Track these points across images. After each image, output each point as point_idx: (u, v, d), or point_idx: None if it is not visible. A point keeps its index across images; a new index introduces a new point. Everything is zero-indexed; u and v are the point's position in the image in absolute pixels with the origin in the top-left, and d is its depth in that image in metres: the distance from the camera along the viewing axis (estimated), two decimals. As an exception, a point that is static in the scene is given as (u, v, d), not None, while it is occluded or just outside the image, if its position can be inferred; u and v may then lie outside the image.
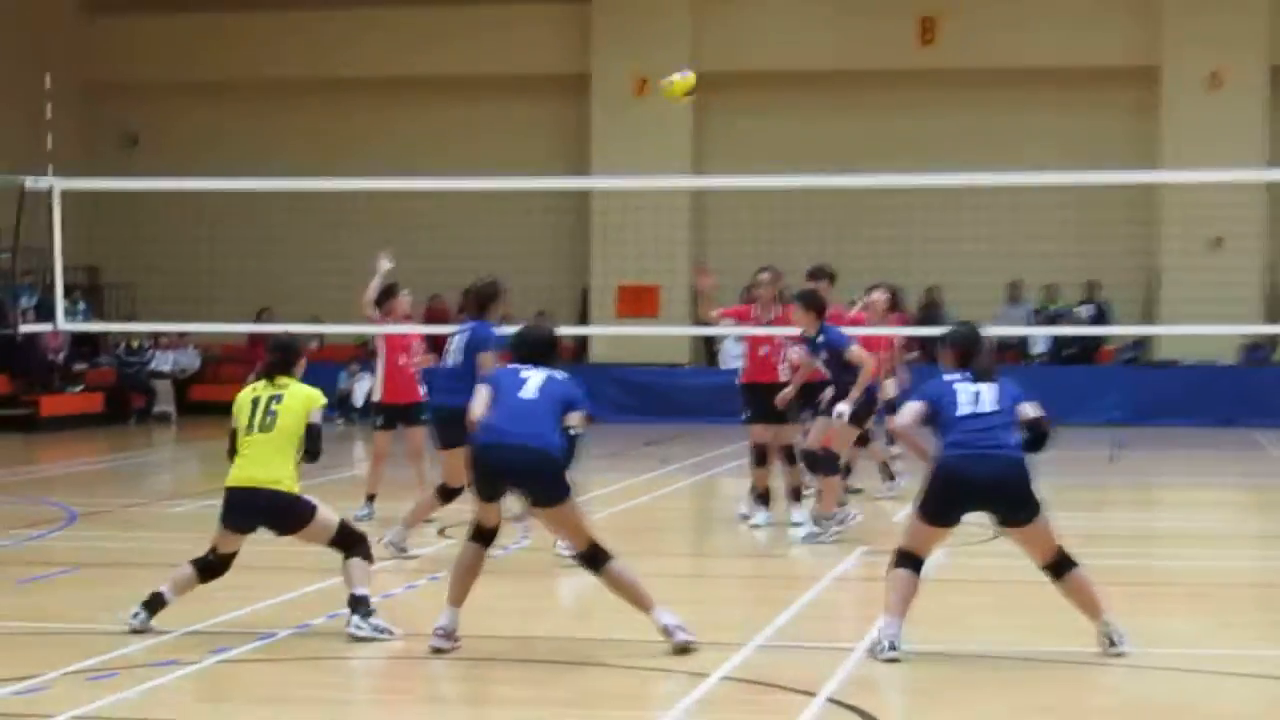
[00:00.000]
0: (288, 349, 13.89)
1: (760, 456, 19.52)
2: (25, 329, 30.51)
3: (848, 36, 39.65)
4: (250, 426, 13.34)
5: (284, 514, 13.36)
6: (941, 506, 12.89)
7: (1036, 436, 13.06)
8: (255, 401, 13.41)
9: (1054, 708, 11.51)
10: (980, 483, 12.71)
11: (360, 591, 13.19)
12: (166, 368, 39.45)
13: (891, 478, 22.69)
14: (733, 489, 25.17)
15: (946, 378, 13.27)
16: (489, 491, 12.93)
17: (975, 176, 29.06)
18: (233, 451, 13.44)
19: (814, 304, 18.16)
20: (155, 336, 39.00)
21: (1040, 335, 34.81)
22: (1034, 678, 12.55)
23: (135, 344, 39.97)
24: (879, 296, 22.32)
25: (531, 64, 41.00)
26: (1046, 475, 21.77)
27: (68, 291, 25.27)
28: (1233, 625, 14.96)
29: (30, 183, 23.81)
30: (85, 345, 38.44)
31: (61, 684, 11.58)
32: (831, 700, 11.22)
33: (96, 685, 11.59)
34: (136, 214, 35.82)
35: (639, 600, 12.98)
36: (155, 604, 13.23)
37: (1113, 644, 13.08)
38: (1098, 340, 36.48)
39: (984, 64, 39.15)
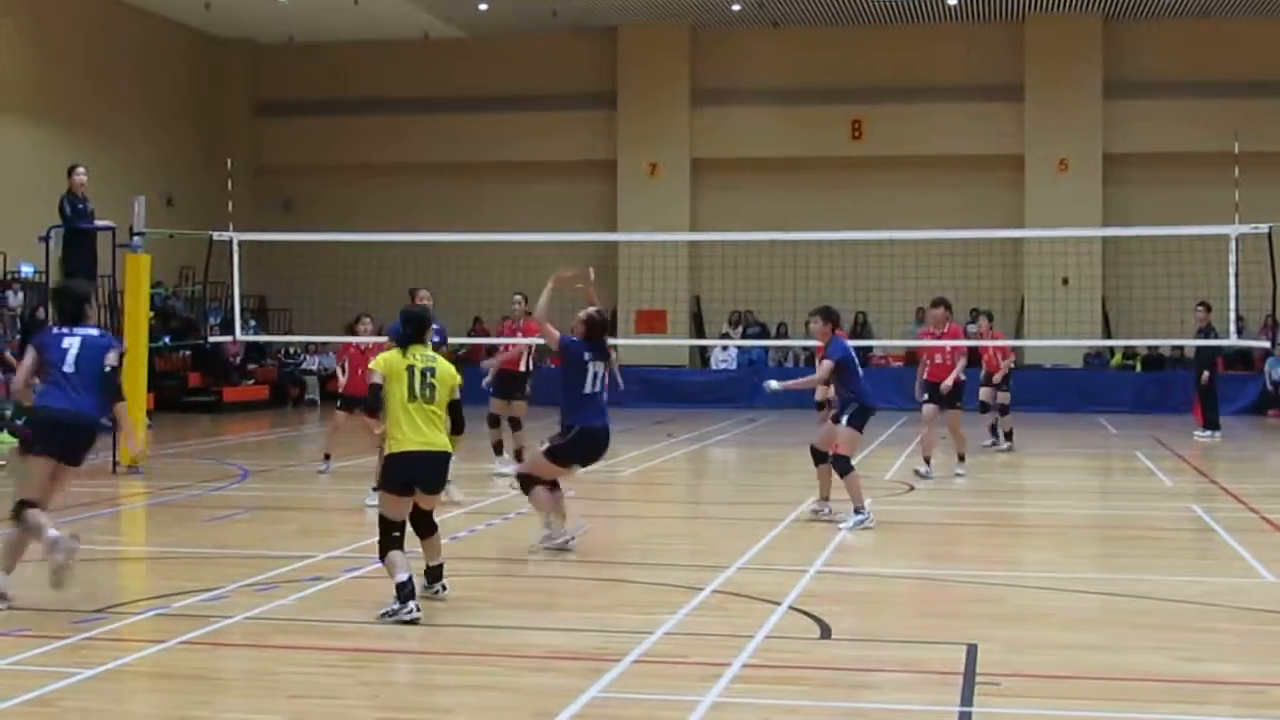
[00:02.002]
0: (421, 320, 11.47)
1: None
2: (213, 339, 30.43)
3: (800, 134, 39.75)
4: (414, 396, 11.03)
5: (442, 475, 11.34)
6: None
7: None
8: (412, 370, 11.11)
9: (954, 613, 11.40)
10: None
11: (404, 578, 10.74)
12: (314, 367, 39.46)
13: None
14: (719, 456, 25.09)
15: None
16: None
17: (892, 233, 29.11)
18: (375, 406, 11.29)
19: (829, 318, 16.53)
20: (305, 345, 39.02)
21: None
22: (941, 593, 12.45)
23: (291, 350, 39.96)
24: (984, 323, 22.49)
25: (575, 153, 41.11)
26: (946, 447, 21.88)
27: (243, 313, 25.19)
28: (1077, 556, 14.89)
29: (216, 235, 23.75)
30: (255, 351, 38.43)
31: (237, 594, 11.50)
32: (792, 608, 11.12)
33: (262, 595, 11.51)
34: (291, 259, 35.71)
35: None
36: (411, 591, 10.74)
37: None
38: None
39: (897, 153, 39.32)
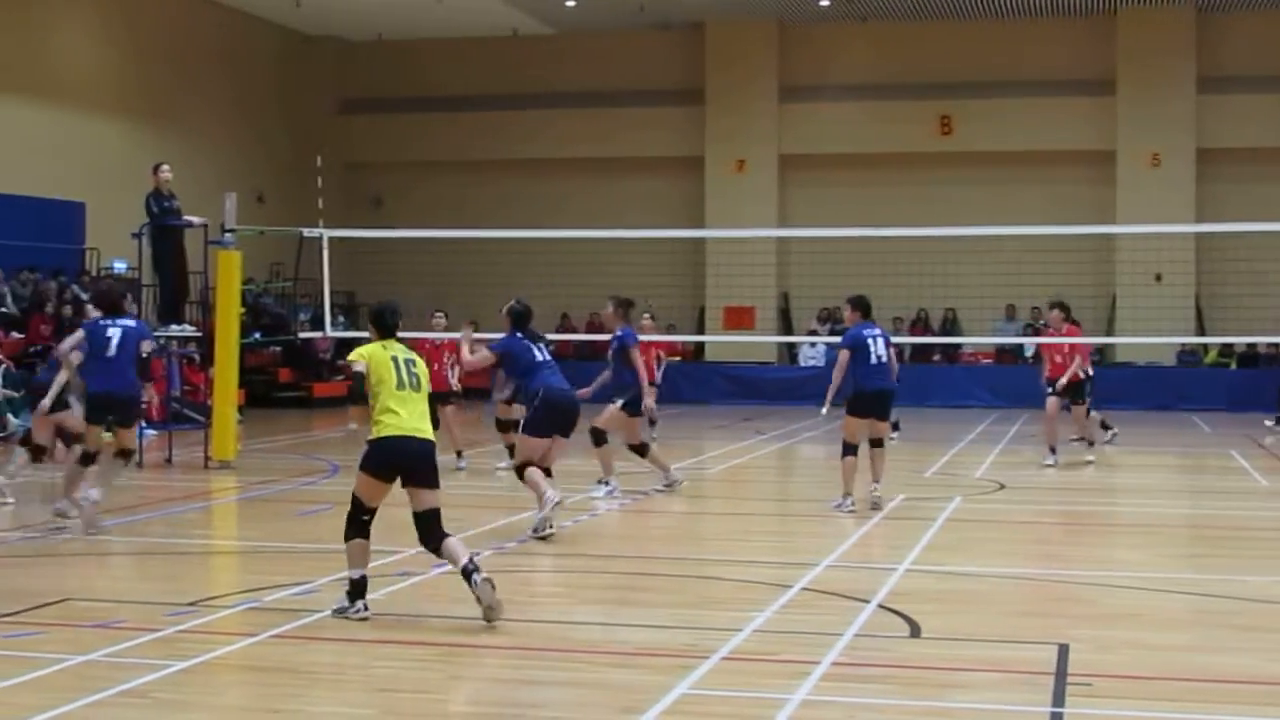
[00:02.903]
0: (395, 313, 11.28)
1: None
2: (303, 335, 30.66)
3: (888, 129, 39.56)
4: (402, 384, 10.76)
5: (433, 466, 10.91)
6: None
7: None
8: (395, 360, 10.87)
9: (1045, 613, 11.34)
10: None
11: (358, 575, 10.66)
12: (403, 363, 39.56)
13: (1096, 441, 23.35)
14: (807, 453, 25.05)
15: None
16: None
17: (980, 229, 28.95)
18: (358, 398, 11.65)
19: (855, 306, 17.15)
20: (409, 341, 39.14)
21: (1029, 343, 34.47)
22: (1031, 592, 12.38)
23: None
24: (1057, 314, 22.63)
25: (662, 149, 41.11)
26: (1038, 445, 21.73)
27: (332, 309, 25.36)
28: (1170, 555, 14.78)
29: (306, 232, 23.94)
30: (345, 347, 38.54)
31: (327, 587, 11.58)
32: (881, 606, 11.10)
33: (353, 589, 11.58)
34: (380, 254, 35.96)
35: None
36: (362, 588, 10.63)
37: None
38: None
39: (987, 148, 39.07)
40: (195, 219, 21.62)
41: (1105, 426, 24.83)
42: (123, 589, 12.21)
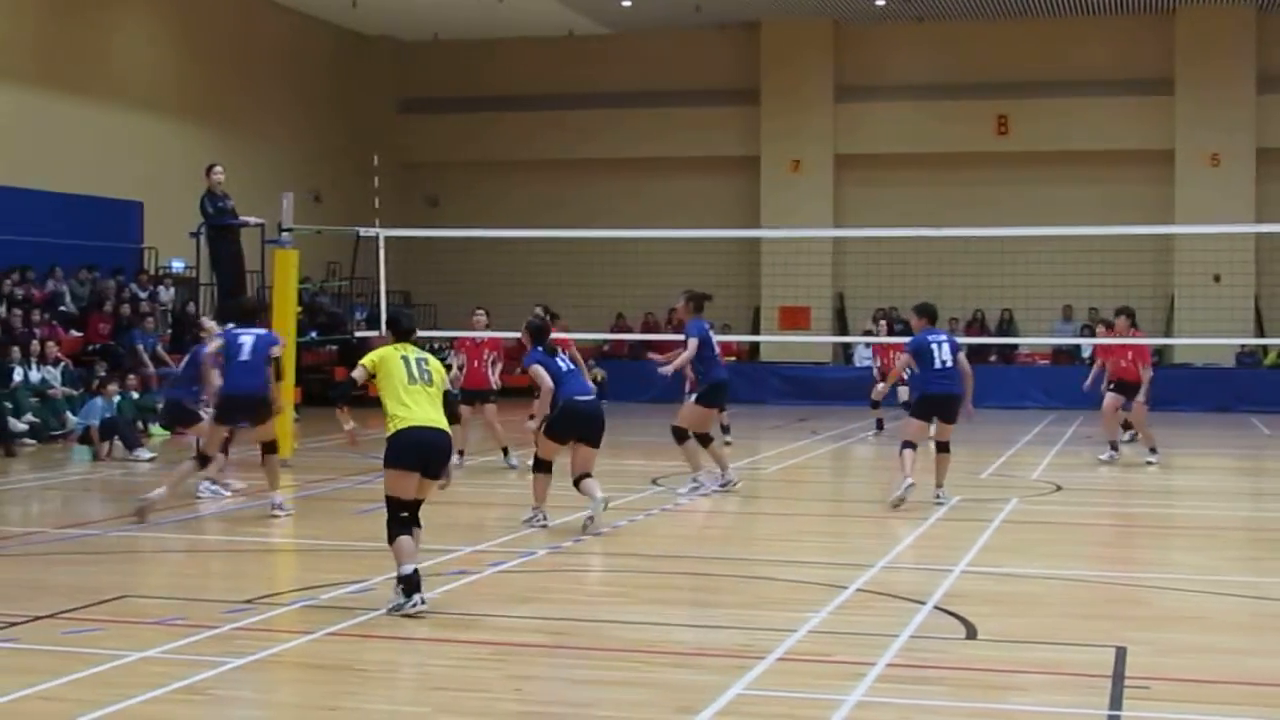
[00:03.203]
0: (409, 317, 12.07)
1: None
2: (359, 334, 30.78)
3: (944, 129, 39.44)
4: (412, 379, 11.13)
5: (447, 454, 11.24)
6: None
7: None
8: (406, 359, 11.28)
9: (1102, 615, 11.28)
10: None
11: (409, 570, 10.79)
12: (460, 363, 39.63)
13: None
14: (862, 453, 24.99)
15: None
16: None
17: (1037, 230, 28.84)
18: (344, 396, 11.89)
19: (921, 313, 18.05)
20: (449, 340, 39.18)
21: (1085, 344, 34.30)
22: (1088, 594, 12.31)
23: (436, 345, 40.20)
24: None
25: (717, 149, 41.10)
26: (1095, 446, 21.63)
27: (388, 308, 25.40)
28: (1228, 559, 14.68)
29: (363, 232, 24.04)
30: (400, 346, 38.70)
31: (383, 586, 11.60)
32: (937, 608, 11.06)
33: (409, 587, 11.62)
34: (437, 254, 36.08)
35: None
36: (417, 583, 10.72)
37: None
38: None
39: (1043, 148, 38.89)
40: (252, 219, 21.73)
41: (1125, 426, 24.41)
42: (180, 586, 12.28)
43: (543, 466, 15.29)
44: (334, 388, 12.39)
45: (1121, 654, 9.54)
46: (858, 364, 38.19)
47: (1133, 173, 38.64)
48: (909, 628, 10.33)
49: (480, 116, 42.28)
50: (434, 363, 11.41)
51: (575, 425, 15.25)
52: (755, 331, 38.57)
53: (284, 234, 21.92)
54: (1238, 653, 9.92)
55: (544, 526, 14.97)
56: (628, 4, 38.50)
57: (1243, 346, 36.93)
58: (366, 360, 11.52)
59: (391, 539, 10.86)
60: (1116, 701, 8.46)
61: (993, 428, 27.10)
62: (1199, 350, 36.30)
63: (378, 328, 25.91)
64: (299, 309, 23.68)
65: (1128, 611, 11.39)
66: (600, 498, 14.94)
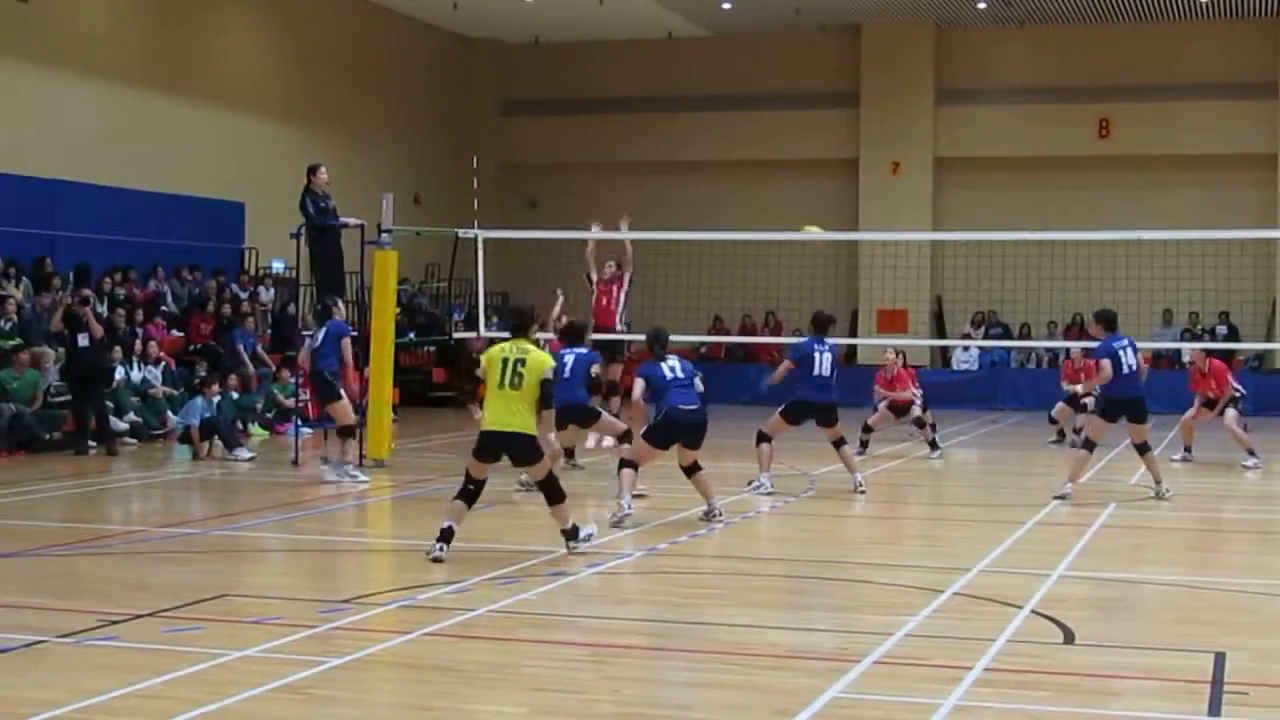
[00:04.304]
0: (523, 314, 13.91)
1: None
2: (457, 335, 30.90)
3: (1046, 132, 39.19)
4: (502, 384, 13.06)
5: (524, 451, 13.20)
6: None
7: None
8: (505, 362, 13.11)
9: (1202, 620, 11.16)
10: None
11: (569, 526, 13.46)
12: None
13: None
14: (961, 457, 24.82)
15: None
16: None
17: (1138, 233, 28.51)
18: (470, 396, 14.15)
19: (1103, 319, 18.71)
20: (547, 341, 39.24)
21: (1186, 348, 34.00)
22: (1187, 600, 12.17)
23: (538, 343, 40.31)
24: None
25: (817, 151, 41.02)
26: (1197, 448, 21.40)
27: (486, 309, 25.50)
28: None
29: (462, 233, 24.14)
30: (498, 347, 38.81)
31: (480, 587, 11.67)
32: (1034, 612, 10.98)
33: (505, 588, 11.66)
34: (534, 256, 36.13)
35: None
36: (447, 536, 12.92)
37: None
38: (1230, 352, 35.68)
39: (1147, 151, 38.59)
40: (352, 220, 21.82)
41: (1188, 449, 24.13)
42: (279, 585, 12.37)
43: (631, 465, 15.64)
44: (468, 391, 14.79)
45: (1220, 659, 9.44)
46: (955, 367, 38.05)
47: (1235, 176, 38.26)
48: (1006, 632, 10.27)
49: (580, 119, 42.41)
50: (531, 364, 13.09)
51: (676, 433, 15.60)
52: (853, 334, 38.43)
53: (384, 235, 22.04)
54: (1340, 661, 9.79)
55: (627, 518, 15.21)
56: (727, 6, 38.48)
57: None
58: (483, 358, 13.46)
59: (453, 499, 13.21)
60: (1215, 707, 8.36)
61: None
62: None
63: (475, 328, 26.06)
64: (398, 310, 23.79)
65: (1226, 617, 11.26)
66: (713, 507, 15.68)
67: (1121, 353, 18.05)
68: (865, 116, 40.62)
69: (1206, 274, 32.72)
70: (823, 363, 18.46)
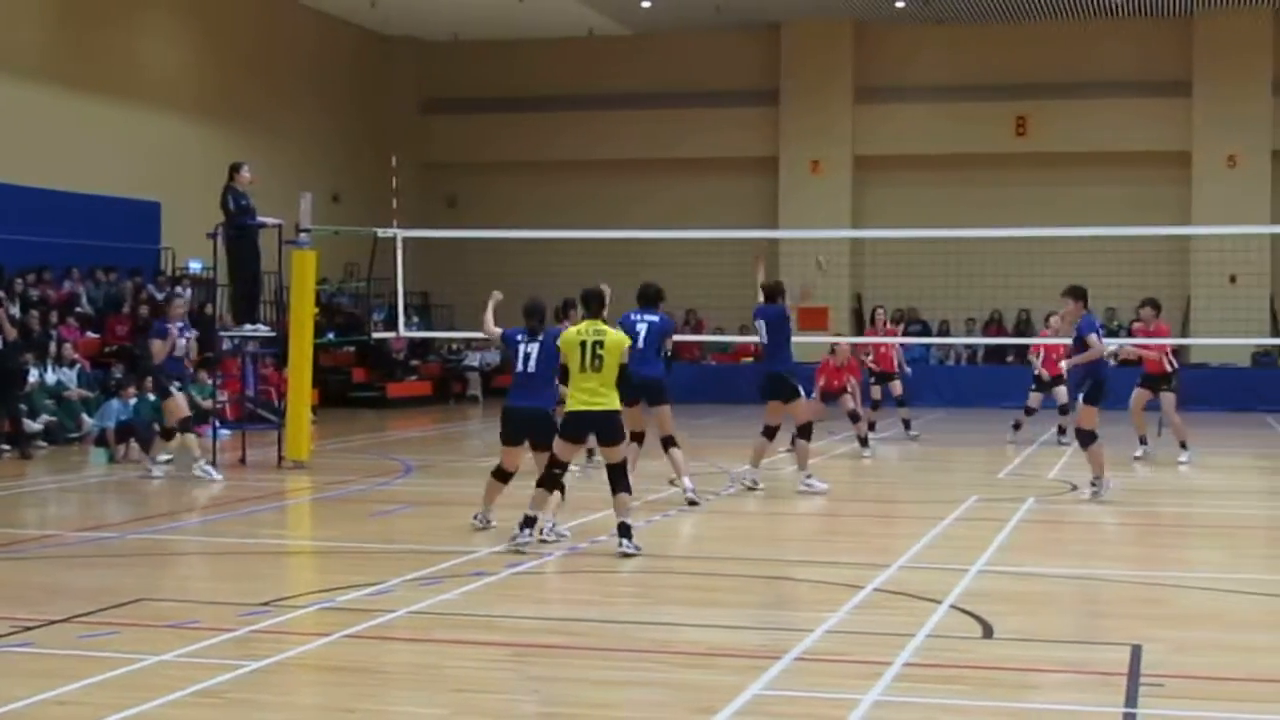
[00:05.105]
0: (599, 297, 13.94)
1: None
2: (377, 335, 30.77)
3: (963, 130, 39.45)
4: (584, 367, 13.39)
5: (611, 429, 13.49)
6: None
7: None
8: (584, 345, 13.42)
9: (1119, 614, 11.26)
10: None
11: (627, 520, 13.44)
12: (476, 363, 39.77)
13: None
14: (881, 453, 24.90)
15: None
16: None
17: (1054, 230, 28.85)
18: (564, 379, 14.01)
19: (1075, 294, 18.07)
20: (468, 341, 39.21)
21: (1115, 344, 34.33)
22: (1105, 593, 12.29)
23: (454, 346, 40.29)
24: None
25: (737, 150, 41.13)
26: (1112, 444, 21.57)
27: (407, 309, 25.44)
28: (1246, 557, 14.67)
29: (381, 232, 24.03)
30: (419, 347, 38.78)
31: (401, 588, 11.63)
32: (954, 607, 11.05)
33: (426, 589, 11.63)
34: (456, 254, 36.09)
35: None
36: (530, 523, 13.57)
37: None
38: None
39: (1062, 149, 38.89)
40: (270, 219, 21.69)
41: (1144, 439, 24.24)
42: (197, 589, 12.29)
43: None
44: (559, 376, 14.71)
45: (1137, 652, 9.52)
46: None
47: (1150, 174, 38.64)
48: (926, 627, 10.32)
49: (501, 117, 42.31)
50: (609, 344, 13.50)
51: (506, 429, 14.48)
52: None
53: (302, 234, 21.91)
54: (1254, 650, 9.89)
55: (488, 525, 14.73)
56: (647, 4, 38.50)
57: (1258, 347, 36.87)
58: (560, 343, 13.73)
59: (541, 484, 13.65)
60: (1132, 699, 8.44)
61: (1009, 428, 26.98)
62: (1215, 351, 36.24)
63: (395, 328, 25.97)
64: (317, 310, 23.66)
65: (1144, 610, 11.36)
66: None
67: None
68: (785, 115, 40.75)
69: (1122, 270, 32.98)
70: (637, 334, 16.88)
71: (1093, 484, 17.61)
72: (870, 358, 26.13)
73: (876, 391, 26.33)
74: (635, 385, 16.07)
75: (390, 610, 10.76)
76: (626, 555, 13.17)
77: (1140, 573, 13.11)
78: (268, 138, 36.11)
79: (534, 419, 14.11)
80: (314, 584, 12.31)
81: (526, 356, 14.15)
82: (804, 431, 18.61)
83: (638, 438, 17.43)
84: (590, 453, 20.39)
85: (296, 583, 12.74)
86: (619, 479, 13.54)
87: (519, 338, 14.27)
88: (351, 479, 19.89)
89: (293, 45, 38.21)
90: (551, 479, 13.62)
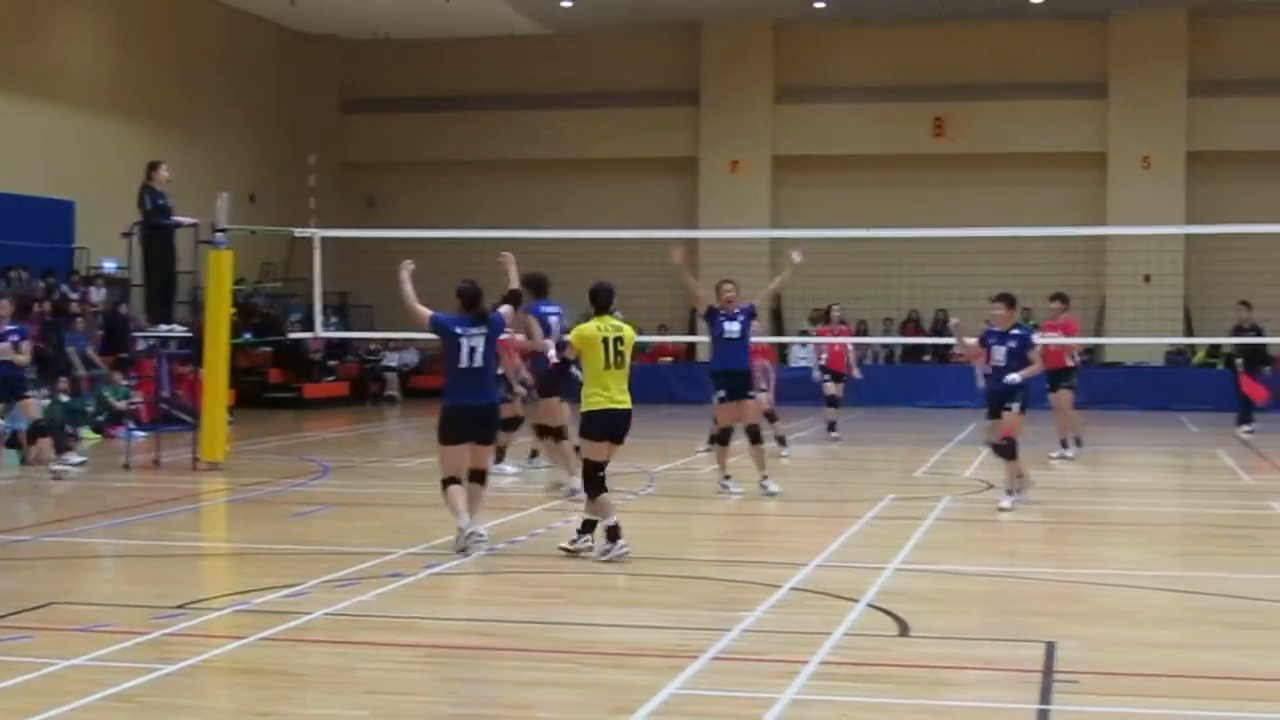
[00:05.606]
0: (609, 291, 13.89)
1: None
2: (294, 336, 30.62)
3: (883, 131, 39.56)
4: (609, 364, 13.25)
5: (627, 428, 13.45)
6: None
7: None
8: (606, 341, 13.28)
9: (1034, 611, 11.34)
10: None
11: (612, 522, 13.24)
12: (395, 364, 39.62)
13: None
14: (799, 453, 24.97)
15: None
16: None
17: (974, 230, 29.01)
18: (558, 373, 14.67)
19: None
20: (386, 341, 39.04)
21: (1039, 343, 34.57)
22: (1020, 591, 12.38)
23: (372, 346, 40.11)
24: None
25: (657, 150, 41.09)
26: (1031, 443, 21.76)
27: (324, 309, 25.31)
28: (1160, 554, 14.80)
29: (298, 232, 23.93)
30: (337, 347, 38.55)
31: (317, 590, 11.57)
32: (871, 605, 11.10)
33: (342, 591, 11.57)
34: (374, 254, 35.81)
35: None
36: (615, 533, 13.16)
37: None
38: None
39: (980, 150, 39.07)
40: (186, 218, 21.51)
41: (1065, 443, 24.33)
42: (109, 592, 12.18)
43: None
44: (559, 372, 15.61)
45: (1052, 649, 9.60)
46: (793, 364, 38.27)
47: (1067, 175, 38.93)
48: (843, 625, 10.36)
49: (421, 117, 42.13)
50: (628, 340, 13.43)
51: (451, 429, 13.75)
52: (691, 332, 38.56)
53: (219, 234, 21.75)
54: (1167, 646, 10.00)
55: (482, 538, 13.86)
56: (568, 4, 38.44)
57: (1172, 346, 37.24)
58: (575, 339, 13.55)
59: (593, 497, 13.25)
60: (1046, 696, 8.51)
61: (927, 427, 27.20)
62: (1130, 350, 36.58)
63: (312, 328, 25.84)
64: (234, 310, 23.51)
65: (1059, 607, 11.46)
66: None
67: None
68: (705, 115, 40.79)
69: (1039, 269, 33.20)
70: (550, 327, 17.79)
71: (1011, 492, 17.55)
72: (824, 357, 26.39)
73: (830, 389, 26.55)
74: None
75: (306, 612, 10.70)
76: (615, 558, 13.01)
77: (1056, 570, 13.21)
78: (184, 137, 35.81)
79: (484, 416, 13.71)
80: (229, 586, 12.23)
81: (472, 350, 13.63)
82: (725, 436, 18.67)
83: (558, 431, 17.54)
84: (534, 453, 20.39)
85: (211, 585, 12.64)
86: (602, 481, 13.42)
87: (458, 329, 13.74)
88: (268, 480, 19.78)
89: (211, 44, 37.88)
90: (597, 483, 13.23)
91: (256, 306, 36.72)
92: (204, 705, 8.50)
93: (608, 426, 13.26)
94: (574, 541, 13.33)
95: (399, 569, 12.56)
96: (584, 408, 13.35)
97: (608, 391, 13.25)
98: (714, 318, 18.98)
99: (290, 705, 8.37)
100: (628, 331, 13.51)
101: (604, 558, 12.98)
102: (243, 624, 10.38)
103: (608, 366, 13.27)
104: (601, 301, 13.69)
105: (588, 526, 13.37)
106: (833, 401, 26.58)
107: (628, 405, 13.37)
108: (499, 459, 19.37)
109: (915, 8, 38.32)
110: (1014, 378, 16.97)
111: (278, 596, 11.35)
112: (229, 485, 19.27)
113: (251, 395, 34.02)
